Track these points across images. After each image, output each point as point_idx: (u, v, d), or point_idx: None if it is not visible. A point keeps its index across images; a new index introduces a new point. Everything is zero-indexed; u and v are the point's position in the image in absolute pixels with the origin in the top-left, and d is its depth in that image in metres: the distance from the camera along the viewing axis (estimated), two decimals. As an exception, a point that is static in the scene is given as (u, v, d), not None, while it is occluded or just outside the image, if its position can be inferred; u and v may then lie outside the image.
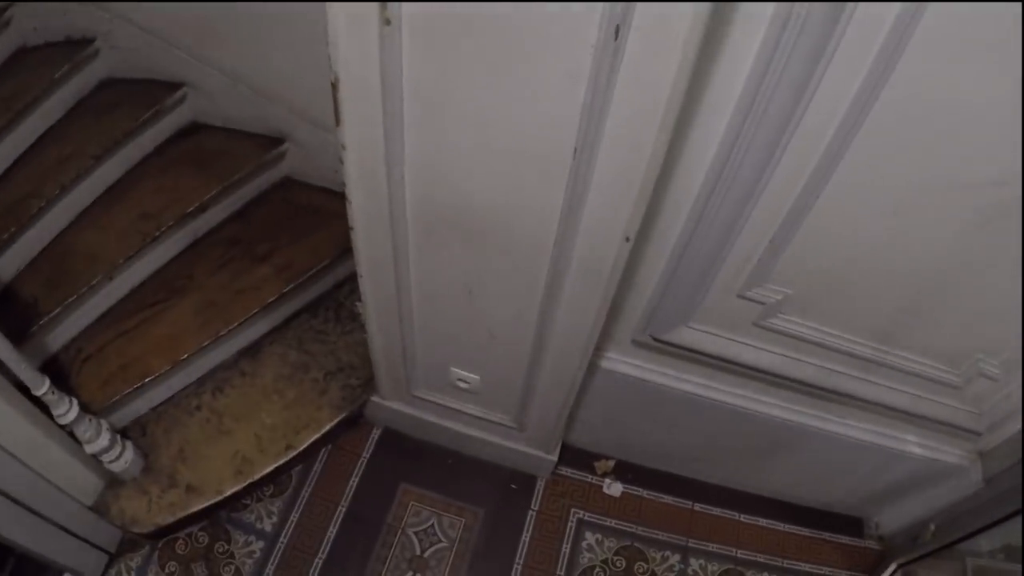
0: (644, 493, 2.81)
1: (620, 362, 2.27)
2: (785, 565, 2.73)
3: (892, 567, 2.57)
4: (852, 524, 2.85)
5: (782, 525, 2.81)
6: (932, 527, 2.45)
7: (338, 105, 1.46)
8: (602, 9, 1.14)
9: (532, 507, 2.72)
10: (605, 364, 2.27)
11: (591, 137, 1.35)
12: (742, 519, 2.81)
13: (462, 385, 2.33)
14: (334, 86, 1.42)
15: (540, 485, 2.77)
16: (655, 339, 2.09)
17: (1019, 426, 2.15)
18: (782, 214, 1.64)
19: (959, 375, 2.06)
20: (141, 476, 2.55)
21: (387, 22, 1.26)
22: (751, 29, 1.32)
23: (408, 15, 1.26)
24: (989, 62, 1.27)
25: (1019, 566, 2.10)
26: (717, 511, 2.81)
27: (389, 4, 1.23)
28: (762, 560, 2.73)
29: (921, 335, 1.95)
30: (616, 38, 1.17)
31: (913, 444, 2.37)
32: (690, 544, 2.72)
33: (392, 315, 2.07)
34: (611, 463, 2.84)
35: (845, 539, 2.82)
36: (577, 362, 2.02)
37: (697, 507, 2.81)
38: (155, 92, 2.82)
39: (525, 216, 1.59)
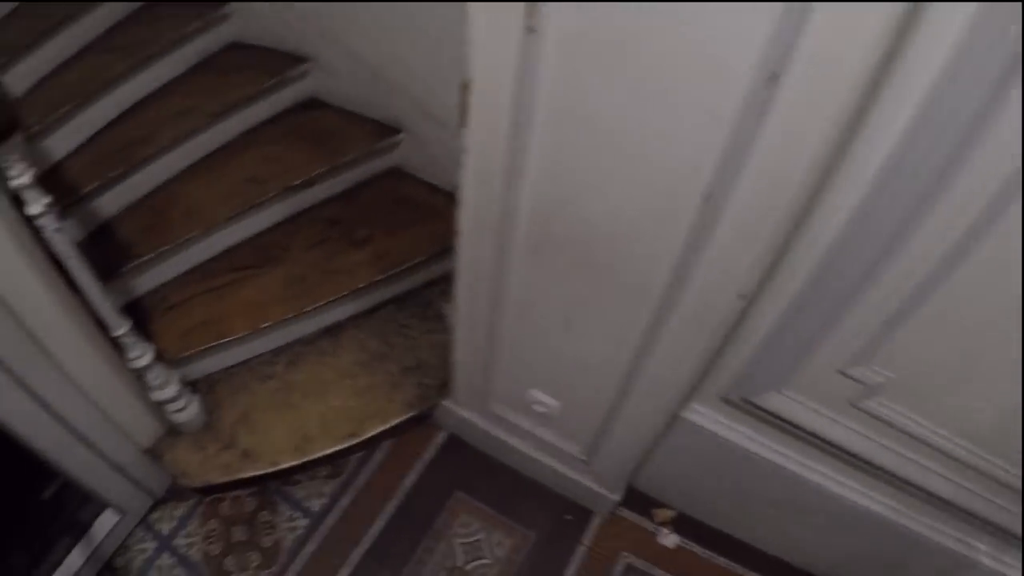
0: (699, 551, 2.70)
1: (704, 416, 2.18)
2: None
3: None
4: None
5: (829, 610, 2.68)
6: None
7: (467, 107, 1.42)
8: (759, 54, 1.07)
9: (583, 542, 2.64)
10: (688, 415, 2.18)
11: (724, 184, 1.29)
12: (789, 596, 2.69)
13: (539, 408, 2.28)
14: (466, 87, 1.39)
15: (595, 521, 2.69)
16: (745, 400, 2.01)
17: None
18: (903, 295, 1.53)
19: (1045, 491, 1.93)
20: (201, 432, 2.59)
21: (531, 30, 1.22)
22: (917, 76, 1.15)
23: (555, 26, 1.21)
24: None
25: None
26: (767, 584, 2.70)
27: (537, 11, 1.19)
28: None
29: (1017, 443, 1.84)
30: (770, 85, 1.10)
31: (983, 554, 2.23)
32: (734, 612, 2.62)
33: (482, 326, 2.04)
34: (671, 513, 2.74)
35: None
36: (663, 411, 1.96)
37: (748, 576, 2.71)
38: (280, 62, 2.84)
39: (640, 253, 1.53)
